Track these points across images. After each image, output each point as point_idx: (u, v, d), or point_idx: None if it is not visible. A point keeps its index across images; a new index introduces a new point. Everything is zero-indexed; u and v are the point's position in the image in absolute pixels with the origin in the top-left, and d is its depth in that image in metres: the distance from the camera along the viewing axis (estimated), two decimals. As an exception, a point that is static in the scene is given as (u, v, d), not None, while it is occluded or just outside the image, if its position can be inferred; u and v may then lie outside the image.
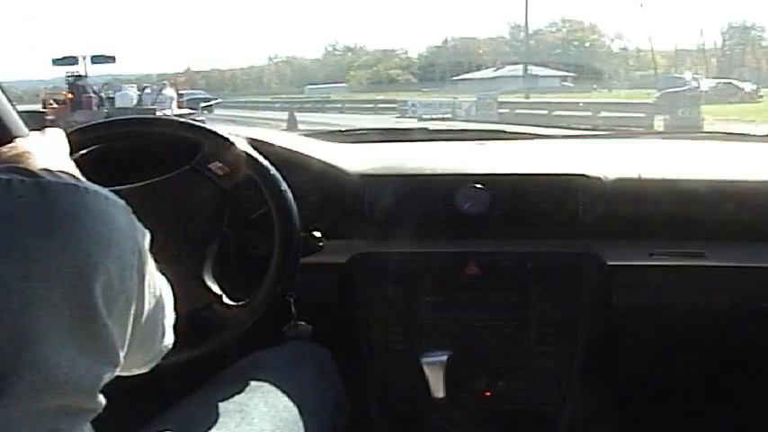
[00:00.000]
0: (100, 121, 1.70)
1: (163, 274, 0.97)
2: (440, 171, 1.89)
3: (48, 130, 1.33)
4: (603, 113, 19.17)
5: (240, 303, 1.49)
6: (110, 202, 0.76)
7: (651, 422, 2.00)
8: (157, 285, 0.89)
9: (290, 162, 1.68)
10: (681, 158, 2.04)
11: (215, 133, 1.53)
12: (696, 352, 1.94)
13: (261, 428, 1.28)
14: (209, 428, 1.23)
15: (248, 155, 1.50)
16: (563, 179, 1.84)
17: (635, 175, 1.83)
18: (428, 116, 22.43)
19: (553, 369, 1.84)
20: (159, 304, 0.90)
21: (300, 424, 1.34)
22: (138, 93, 17.45)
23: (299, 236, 1.52)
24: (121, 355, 0.76)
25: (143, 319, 0.83)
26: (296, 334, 1.69)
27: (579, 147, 2.28)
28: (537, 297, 1.81)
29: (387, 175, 1.87)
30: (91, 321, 0.70)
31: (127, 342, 0.77)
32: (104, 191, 0.77)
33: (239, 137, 1.54)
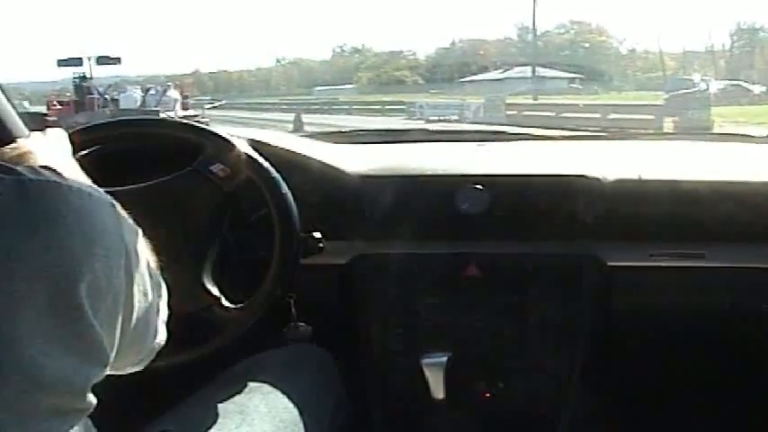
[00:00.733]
0: (101, 121, 1.70)
1: (162, 270, 0.97)
2: (440, 172, 1.90)
3: (49, 130, 1.33)
4: (612, 115, 18.95)
5: (239, 306, 1.49)
6: (94, 199, 0.74)
7: (651, 423, 1.99)
8: (148, 283, 0.87)
9: (290, 163, 1.68)
10: (680, 159, 2.04)
11: (216, 135, 1.53)
12: (696, 352, 1.93)
13: (261, 429, 1.28)
14: (210, 429, 1.24)
15: (249, 156, 1.50)
16: (563, 180, 1.85)
17: (635, 176, 1.83)
18: (436, 117, 22.01)
19: (553, 370, 1.84)
20: (151, 303, 0.88)
21: (301, 425, 1.34)
22: (142, 94, 17.20)
23: (298, 238, 1.52)
24: (111, 354, 0.75)
25: (133, 318, 0.81)
26: (296, 335, 1.69)
27: (579, 148, 2.28)
28: (537, 298, 1.81)
29: (387, 176, 1.87)
30: (77, 321, 0.68)
31: (116, 342, 0.76)
32: (89, 188, 0.75)
33: (240, 138, 1.54)
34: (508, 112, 22.68)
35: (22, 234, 0.66)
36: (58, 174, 0.73)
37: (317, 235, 1.61)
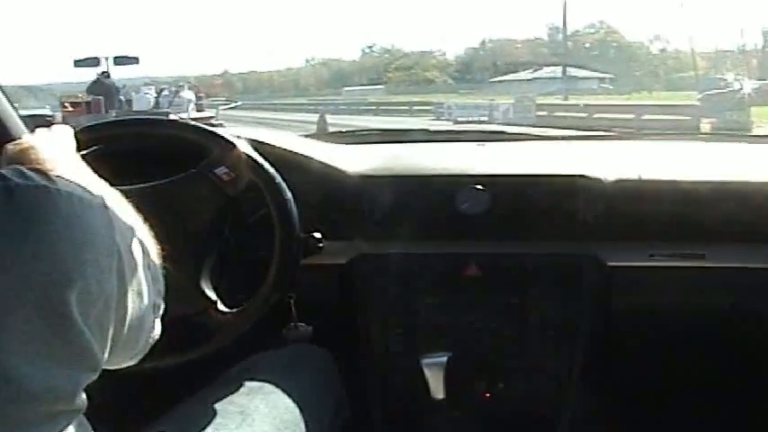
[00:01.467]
0: (106, 120, 1.71)
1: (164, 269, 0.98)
2: (440, 172, 1.90)
3: (55, 126, 1.35)
4: (647, 116, 18.30)
5: (234, 310, 1.49)
6: (84, 203, 0.73)
7: (651, 423, 1.99)
8: (143, 283, 0.85)
9: (290, 163, 1.68)
10: (680, 159, 2.04)
11: (218, 136, 1.53)
12: (696, 352, 1.93)
13: (262, 430, 1.28)
14: (210, 429, 1.24)
15: (250, 157, 1.50)
16: (563, 180, 1.85)
17: (635, 176, 1.83)
18: (464, 118, 21.22)
19: (553, 370, 1.84)
20: (146, 302, 0.87)
21: (301, 425, 1.34)
22: (155, 95, 16.88)
23: (298, 241, 1.52)
24: (101, 359, 0.74)
25: (127, 320, 0.80)
26: (296, 335, 1.69)
27: (579, 148, 2.28)
28: (537, 298, 1.81)
29: (387, 176, 1.87)
30: (66, 329, 0.67)
31: (108, 345, 0.76)
32: (79, 191, 0.74)
33: (241, 138, 1.54)
34: (538, 113, 21.95)
35: (9, 241, 0.65)
36: (48, 177, 0.72)
37: (317, 235, 1.62)
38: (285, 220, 1.49)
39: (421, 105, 30.36)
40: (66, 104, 15.55)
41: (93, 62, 16.63)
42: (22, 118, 1.49)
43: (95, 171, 1.20)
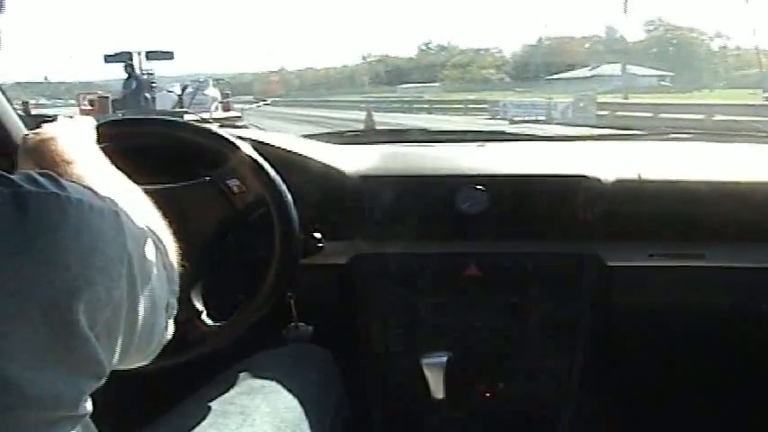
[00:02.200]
0: (119, 118, 1.70)
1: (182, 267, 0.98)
2: (440, 172, 1.90)
3: (78, 117, 1.34)
4: (719, 116, 16.11)
5: (219, 324, 1.47)
6: (95, 210, 0.72)
7: (651, 423, 1.99)
8: (156, 285, 0.84)
9: (290, 163, 1.68)
10: (680, 159, 2.04)
11: (220, 137, 1.51)
12: (696, 352, 1.93)
13: (262, 429, 1.28)
14: (211, 429, 1.23)
15: (251, 158, 1.49)
16: (563, 180, 1.85)
17: (635, 176, 1.83)
18: (520, 118, 19.64)
19: (553, 369, 1.85)
20: (158, 305, 0.85)
21: (301, 425, 1.34)
22: (179, 93, 15.65)
23: (298, 244, 1.51)
24: (108, 365, 0.73)
25: (138, 325, 0.79)
26: (296, 335, 1.69)
27: (579, 148, 2.28)
28: (537, 298, 1.81)
29: (387, 176, 1.87)
30: (72, 337, 0.67)
31: (118, 351, 0.75)
32: (90, 198, 0.73)
33: (245, 140, 1.53)
34: (599, 113, 20.62)
35: (16, 249, 0.64)
36: (59, 184, 0.71)
37: (318, 235, 1.61)
38: (285, 220, 1.48)
39: (476, 104, 29.50)
40: (85, 103, 14.93)
41: (125, 57, 15.61)
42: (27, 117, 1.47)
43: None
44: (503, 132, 2.67)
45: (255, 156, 1.50)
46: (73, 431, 0.71)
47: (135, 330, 0.79)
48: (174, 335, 0.99)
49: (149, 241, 0.84)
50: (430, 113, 29.56)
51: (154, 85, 15.44)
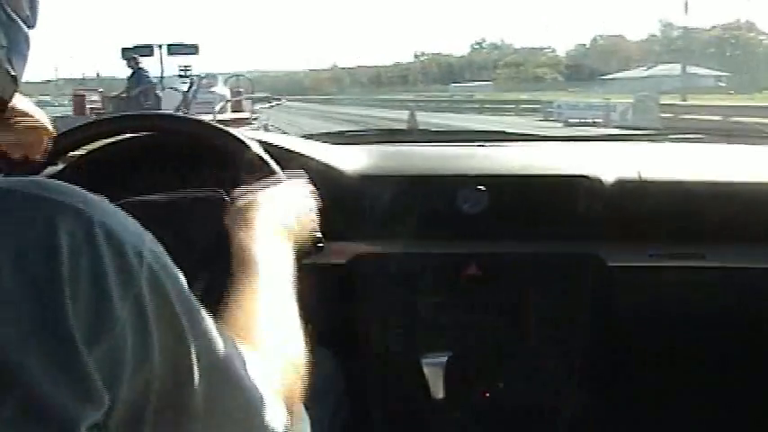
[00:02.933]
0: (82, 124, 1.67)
1: None
2: (440, 172, 1.90)
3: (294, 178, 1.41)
4: None
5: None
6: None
7: (651, 423, 1.99)
8: (206, 325, 0.73)
9: (290, 164, 1.68)
10: (680, 159, 2.04)
11: (229, 134, 1.49)
12: (696, 352, 1.93)
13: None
14: None
15: (260, 158, 1.47)
16: (564, 180, 1.85)
17: (635, 176, 1.83)
18: (576, 120, 18.77)
19: (553, 369, 1.85)
20: (224, 353, 0.73)
21: (301, 425, 1.34)
22: (185, 91, 13.67)
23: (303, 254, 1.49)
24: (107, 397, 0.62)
25: (154, 363, 0.66)
26: (296, 335, 1.69)
27: (580, 148, 2.28)
28: (537, 298, 1.82)
29: (387, 177, 1.87)
30: (64, 347, 0.60)
31: (124, 387, 0.63)
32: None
33: (253, 140, 1.51)
34: (662, 115, 18.72)
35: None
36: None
37: (318, 235, 1.61)
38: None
39: (528, 104, 28.69)
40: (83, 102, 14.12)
41: (145, 51, 14.82)
42: None
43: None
44: (503, 132, 2.66)
45: (265, 156, 1.49)
46: None
47: (151, 368, 0.67)
48: None
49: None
50: (480, 113, 28.72)
51: (189, 81, 14.13)
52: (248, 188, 1.26)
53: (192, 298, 0.73)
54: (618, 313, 1.85)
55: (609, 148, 2.25)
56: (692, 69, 37.50)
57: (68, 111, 14.70)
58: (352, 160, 1.89)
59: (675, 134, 2.41)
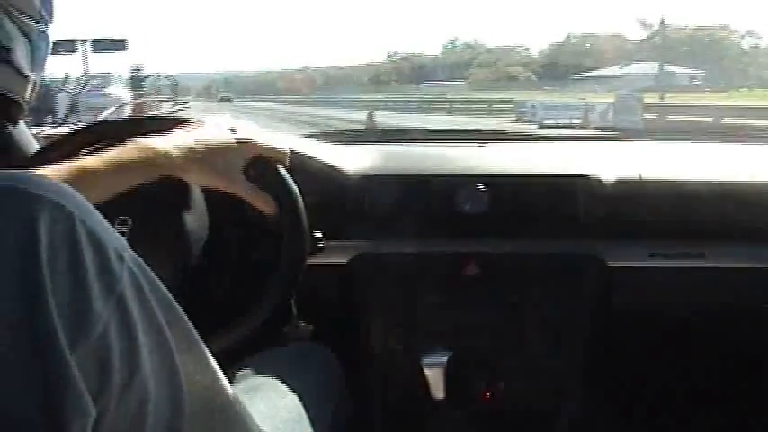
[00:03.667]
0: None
1: None
2: (440, 172, 1.90)
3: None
4: None
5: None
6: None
7: (651, 422, 2.00)
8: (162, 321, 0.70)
9: (290, 163, 1.68)
10: (681, 159, 2.04)
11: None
12: (696, 352, 1.94)
13: (261, 429, 1.28)
14: None
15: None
16: (564, 180, 1.85)
17: (635, 177, 1.84)
18: (551, 121, 17.51)
19: (553, 369, 1.85)
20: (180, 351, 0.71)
21: (301, 424, 1.33)
22: (75, 94, 13.37)
23: (305, 256, 1.44)
24: (94, 407, 0.61)
25: (142, 369, 0.65)
26: (296, 334, 1.68)
27: (580, 148, 2.29)
28: (537, 298, 1.82)
29: (387, 176, 1.87)
30: (48, 354, 0.58)
31: (113, 393, 0.62)
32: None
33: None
34: (646, 116, 18.36)
35: None
36: (42, 179, 0.65)
37: (318, 235, 1.60)
38: (296, 223, 1.42)
39: (501, 103, 27.77)
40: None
41: (69, 47, 13.20)
42: None
43: None
44: (503, 132, 2.66)
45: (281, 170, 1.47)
46: None
47: (137, 373, 0.67)
48: None
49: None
50: (450, 114, 27.87)
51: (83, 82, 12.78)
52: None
53: (178, 309, 0.73)
54: (618, 313, 1.85)
55: (609, 148, 2.26)
56: (667, 68, 37.38)
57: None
58: (352, 160, 1.89)
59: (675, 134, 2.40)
